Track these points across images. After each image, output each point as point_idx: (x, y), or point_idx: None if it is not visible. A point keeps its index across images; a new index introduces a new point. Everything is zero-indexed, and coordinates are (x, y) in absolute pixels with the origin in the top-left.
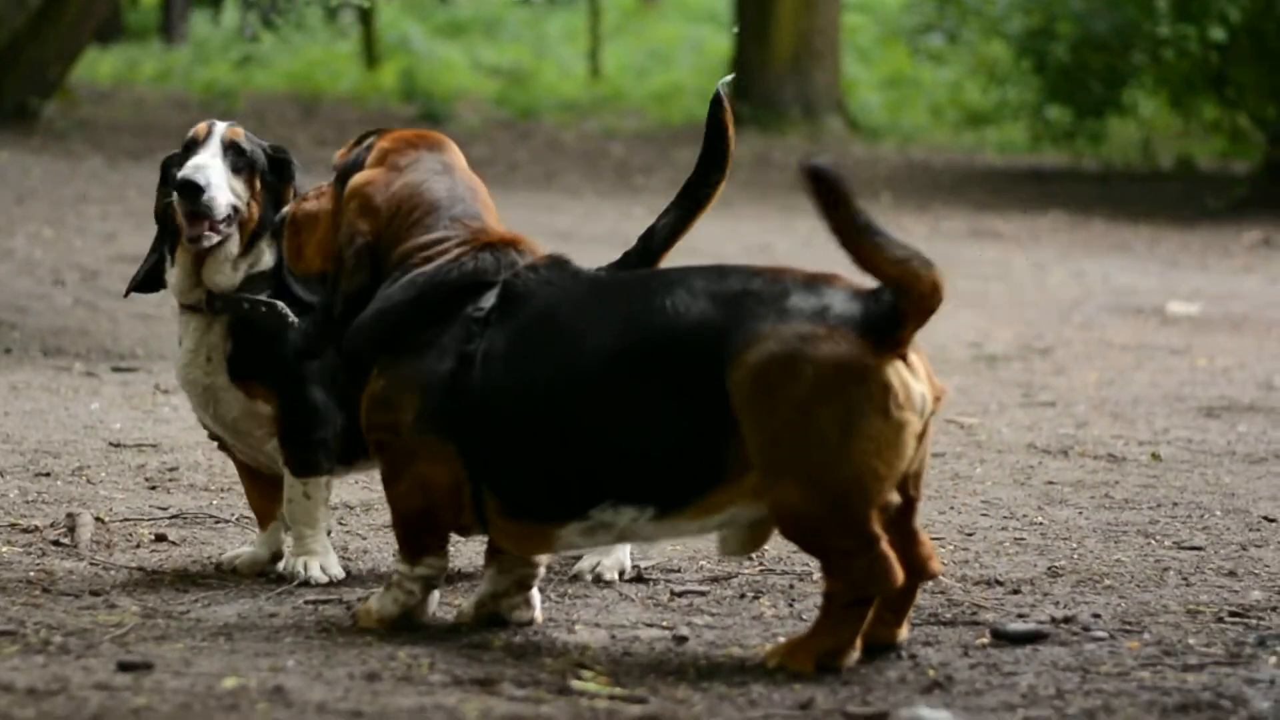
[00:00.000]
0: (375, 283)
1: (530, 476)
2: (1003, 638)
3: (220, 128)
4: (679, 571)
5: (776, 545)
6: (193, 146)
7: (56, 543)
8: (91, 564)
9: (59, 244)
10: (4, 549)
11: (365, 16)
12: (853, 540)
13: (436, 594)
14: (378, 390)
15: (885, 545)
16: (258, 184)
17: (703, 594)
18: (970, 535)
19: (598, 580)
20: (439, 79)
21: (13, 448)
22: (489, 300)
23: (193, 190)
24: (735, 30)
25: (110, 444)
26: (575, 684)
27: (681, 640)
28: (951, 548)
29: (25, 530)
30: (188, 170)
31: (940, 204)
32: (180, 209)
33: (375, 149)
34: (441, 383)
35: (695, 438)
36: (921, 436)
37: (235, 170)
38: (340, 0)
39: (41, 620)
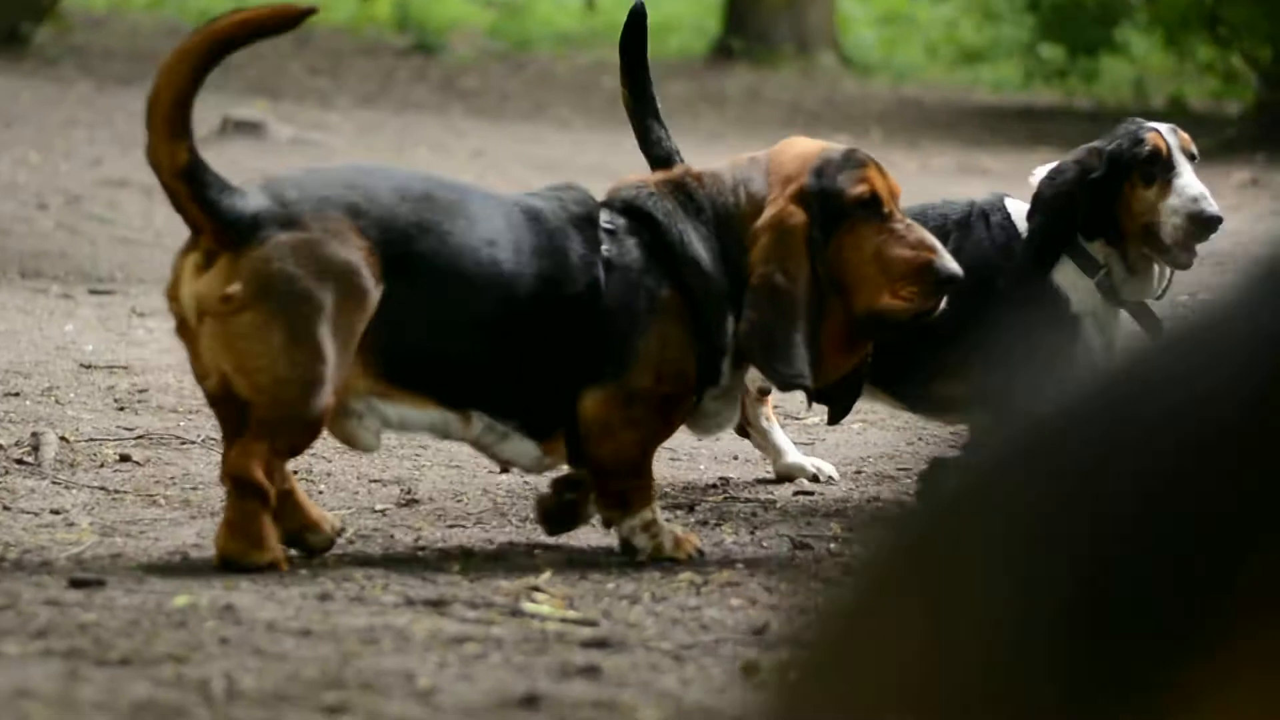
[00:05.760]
0: None
1: None
2: None
3: (1175, 140)
4: None
5: (740, 472)
6: (1156, 159)
7: (20, 461)
8: (54, 483)
9: (44, 168)
10: None
11: None
12: None
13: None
14: None
15: None
16: None
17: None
18: None
19: None
20: (432, 10)
21: None
22: None
23: (1216, 225)
24: None
25: (81, 365)
26: (528, 606)
27: (638, 563)
28: None
29: None
30: (1209, 204)
31: (930, 141)
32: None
33: None
34: None
35: None
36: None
37: None
38: None
39: None
